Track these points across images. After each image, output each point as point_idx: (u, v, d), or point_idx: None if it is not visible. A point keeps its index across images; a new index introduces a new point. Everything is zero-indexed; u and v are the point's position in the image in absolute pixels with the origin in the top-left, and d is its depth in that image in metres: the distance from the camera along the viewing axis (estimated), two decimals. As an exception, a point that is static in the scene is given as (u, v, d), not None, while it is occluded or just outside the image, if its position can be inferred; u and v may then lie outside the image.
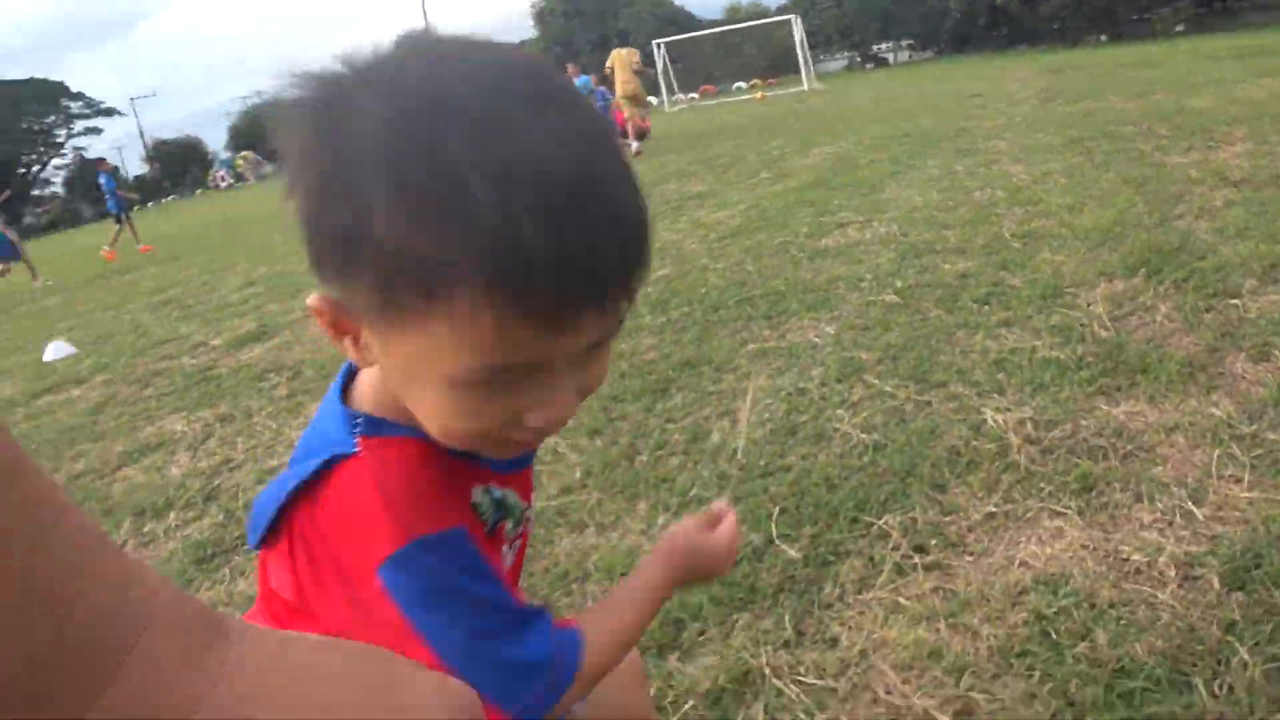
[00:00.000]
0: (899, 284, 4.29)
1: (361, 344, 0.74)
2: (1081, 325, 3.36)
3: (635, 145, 16.58)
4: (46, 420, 5.08)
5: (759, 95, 29.44)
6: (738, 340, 3.93)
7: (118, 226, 17.36)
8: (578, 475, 2.92)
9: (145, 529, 3.27)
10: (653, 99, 35.70)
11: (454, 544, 0.77)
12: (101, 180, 18.42)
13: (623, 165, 0.69)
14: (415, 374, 0.71)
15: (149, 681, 0.39)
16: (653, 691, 1.92)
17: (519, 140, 0.62)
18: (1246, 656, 1.69)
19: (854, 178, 7.91)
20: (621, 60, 16.70)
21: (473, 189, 0.59)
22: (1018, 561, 2.12)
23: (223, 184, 52.87)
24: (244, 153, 56.67)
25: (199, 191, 54.89)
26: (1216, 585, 1.91)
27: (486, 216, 0.59)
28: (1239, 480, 2.28)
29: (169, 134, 78.76)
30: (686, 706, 1.87)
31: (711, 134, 16.73)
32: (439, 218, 0.61)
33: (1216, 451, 2.41)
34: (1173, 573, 1.98)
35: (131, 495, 3.61)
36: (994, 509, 2.33)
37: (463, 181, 0.60)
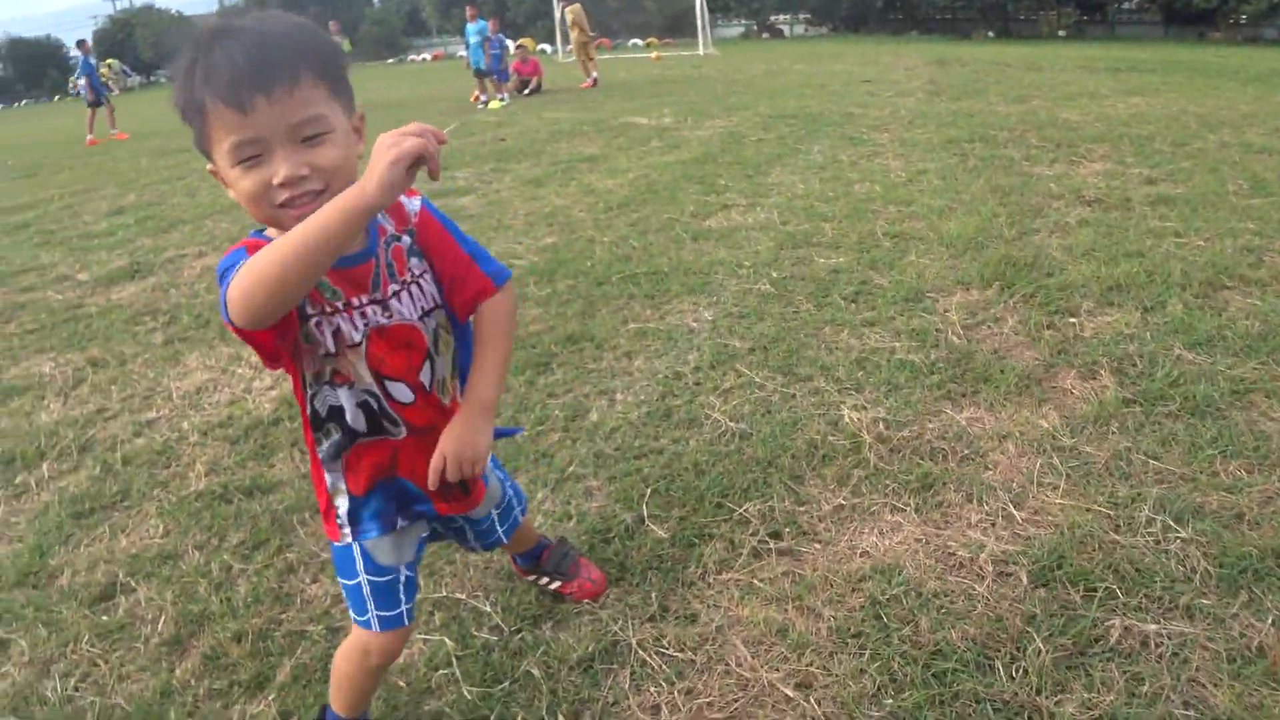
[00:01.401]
0: (775, 274, 4.52)
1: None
2: (937, 331, 3.65)
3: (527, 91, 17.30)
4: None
5: (654, 55, 29.37)
6: (619, 318, 4.10)
7: (91, 112, 16.86)
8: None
9: (16, 479, 3.23)
10: (546, 47, 35.32)
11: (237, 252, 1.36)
12: (81, 63, 17.68)
13: (281, 33, 1.33)
14: (224, 174, 1.36)
15: None
16: (532, 660, 2.09)
17: (223, 31, 1.31)
18: (1041, 645, 1.97)
19: (741, 156, 8.13)
20: (579, 14, 18.90)
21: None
22: (860, 551, 2.37)
23: (84, 92, 49.59)
24: (109, 60, 53.19)
25: (56, 98, 51.42)
26: (1025, 581, 2.20)
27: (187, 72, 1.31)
28: (1055, 488, 2.58)
29: (27, 32, 73.28)
30: (561, 673, 2.05)
31: (605, 92, 16.73)
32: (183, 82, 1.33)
33: (1039, 460, 2.71)
34: (990, 568, 2.25)
35: (-1, 441, 3.54)
36: (843, 502, 2.58)
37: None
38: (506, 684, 2.03)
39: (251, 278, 1.20)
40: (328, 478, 1.64)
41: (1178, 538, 2.32)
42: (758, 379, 3.36)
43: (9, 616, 2.47)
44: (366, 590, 1.67)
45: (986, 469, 2.70)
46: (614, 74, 21.17)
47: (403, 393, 1.56)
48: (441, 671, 2.10)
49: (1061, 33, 30.69)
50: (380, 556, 1.66)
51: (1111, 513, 2.44)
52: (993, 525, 2.44)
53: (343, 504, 1.64)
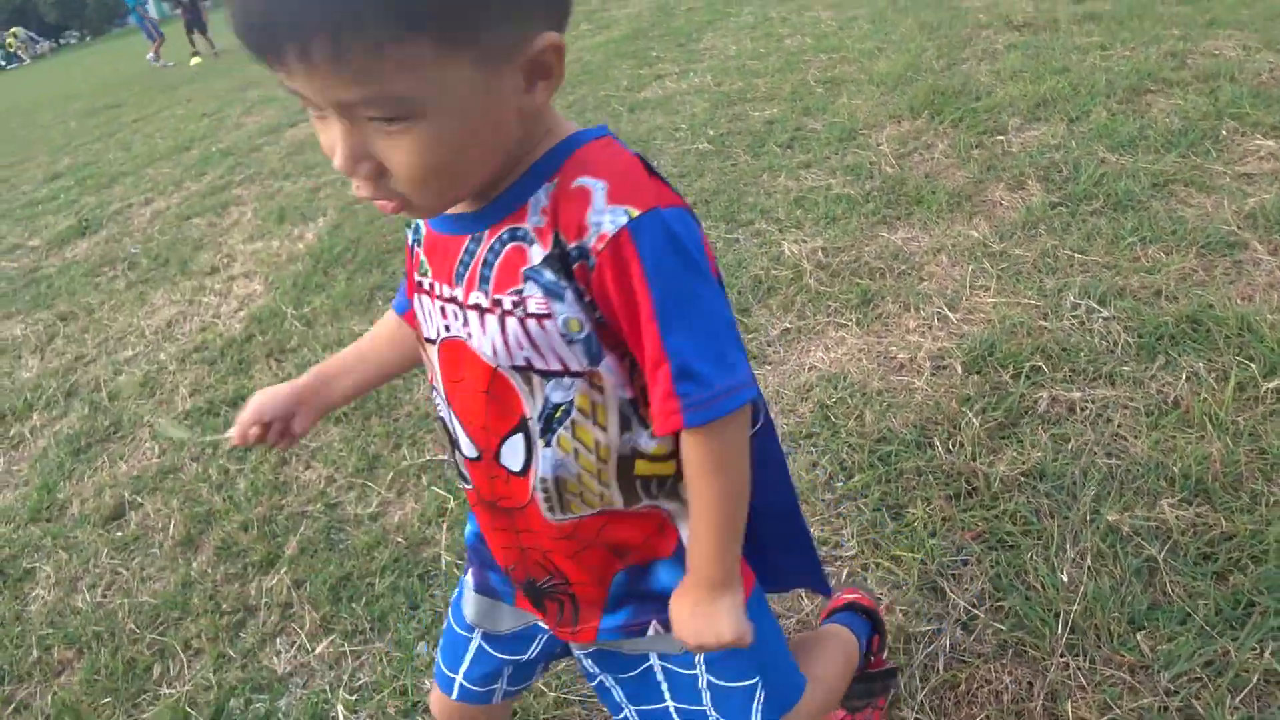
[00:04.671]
0: (711, 132, 4.59)
1: None
2: (871, 164, 3.76)
3: None
4: None
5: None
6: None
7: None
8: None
9: (10, 432, 3.32)
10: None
11: None
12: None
13: None
14: None
15: None
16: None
17: None
18: (974, 420, 2.14)
19: (672, 27, 8.06)
20: None
21: None
22: (808, 366, 2.53)
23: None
24: (13, 30, 50.58)
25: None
26: (959, 371, 2.36)
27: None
28: (986, 289, 2.73)
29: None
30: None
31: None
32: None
33: (971, 267, 2.86)
34: (927, 364, 2.42)
35: (-15, 404, 3.62)
36: (789, 325, 2.72)
37: None
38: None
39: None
40: None
41: (1100, 317, 2.48)
42: (702, 229, 3.47)
43: (30, 549, 2.62)
44: (446, 623, 1.29)
45: (922, 280, 2.85)
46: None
47: (465, 443, 0.99)
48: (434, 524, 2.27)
49: None
50: (466, 605, 1.23)
51: (1039, 303, 2.59)
52: (929, 328, 2.59)
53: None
